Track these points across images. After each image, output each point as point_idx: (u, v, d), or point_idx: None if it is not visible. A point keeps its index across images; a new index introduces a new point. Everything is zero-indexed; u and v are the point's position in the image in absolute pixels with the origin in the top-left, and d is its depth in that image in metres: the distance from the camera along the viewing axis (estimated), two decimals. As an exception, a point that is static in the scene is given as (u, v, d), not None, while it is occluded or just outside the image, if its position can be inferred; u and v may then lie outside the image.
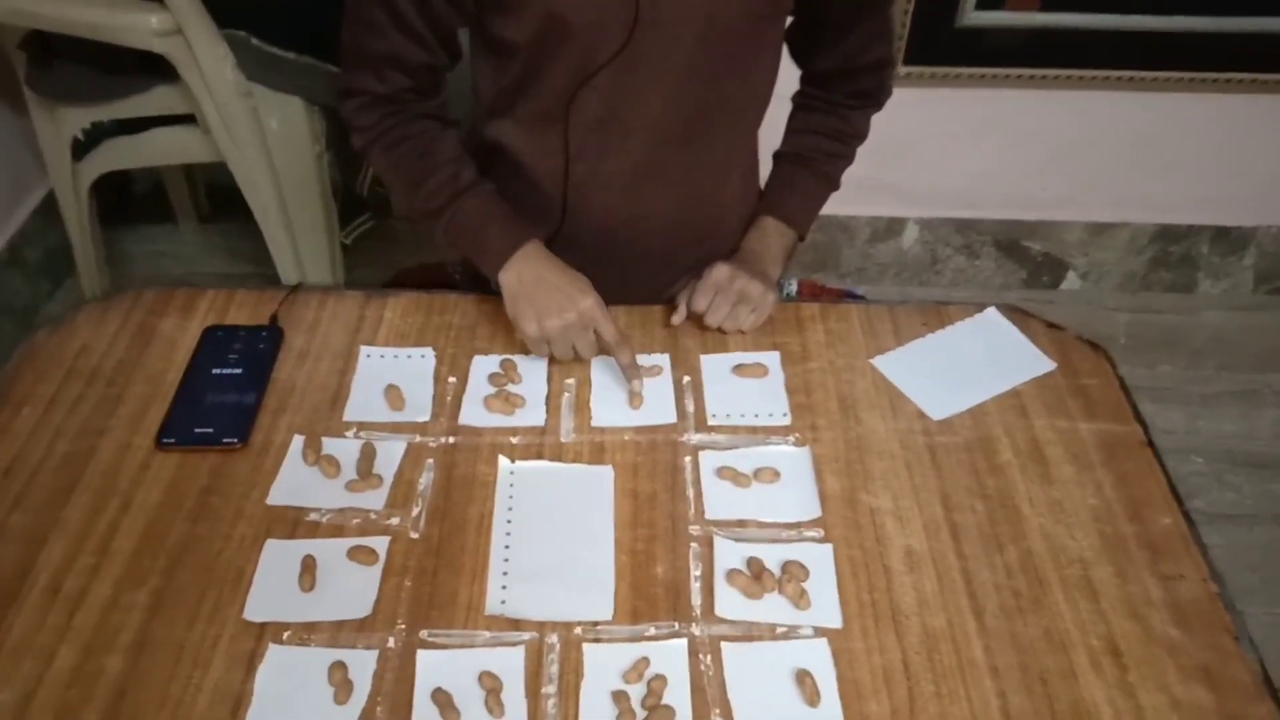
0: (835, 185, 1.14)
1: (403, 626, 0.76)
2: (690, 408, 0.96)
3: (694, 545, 0.83)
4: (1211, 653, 0.76)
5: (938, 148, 2.04)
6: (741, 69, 1.00)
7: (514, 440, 0.92)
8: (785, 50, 1.06)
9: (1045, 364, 1.01)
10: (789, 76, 1.11)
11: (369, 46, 0.97)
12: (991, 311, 1.07)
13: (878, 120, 1.14)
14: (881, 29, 1.05)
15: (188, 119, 1.66)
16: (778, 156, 1.15)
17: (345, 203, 1.81)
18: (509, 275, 0.98)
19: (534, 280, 0.98)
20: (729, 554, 0.83)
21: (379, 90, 1.00)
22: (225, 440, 0.90)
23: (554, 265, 0.99)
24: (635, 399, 0.95)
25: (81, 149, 1.74)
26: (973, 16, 1.84)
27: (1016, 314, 1.07)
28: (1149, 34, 1.85)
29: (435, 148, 1.02)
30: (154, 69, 1.58)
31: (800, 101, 1.13)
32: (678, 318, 1.03)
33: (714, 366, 1.00)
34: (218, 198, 2.31)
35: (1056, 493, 0.88)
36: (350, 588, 0.79)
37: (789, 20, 1.03)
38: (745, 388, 0.98)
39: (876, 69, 1.08)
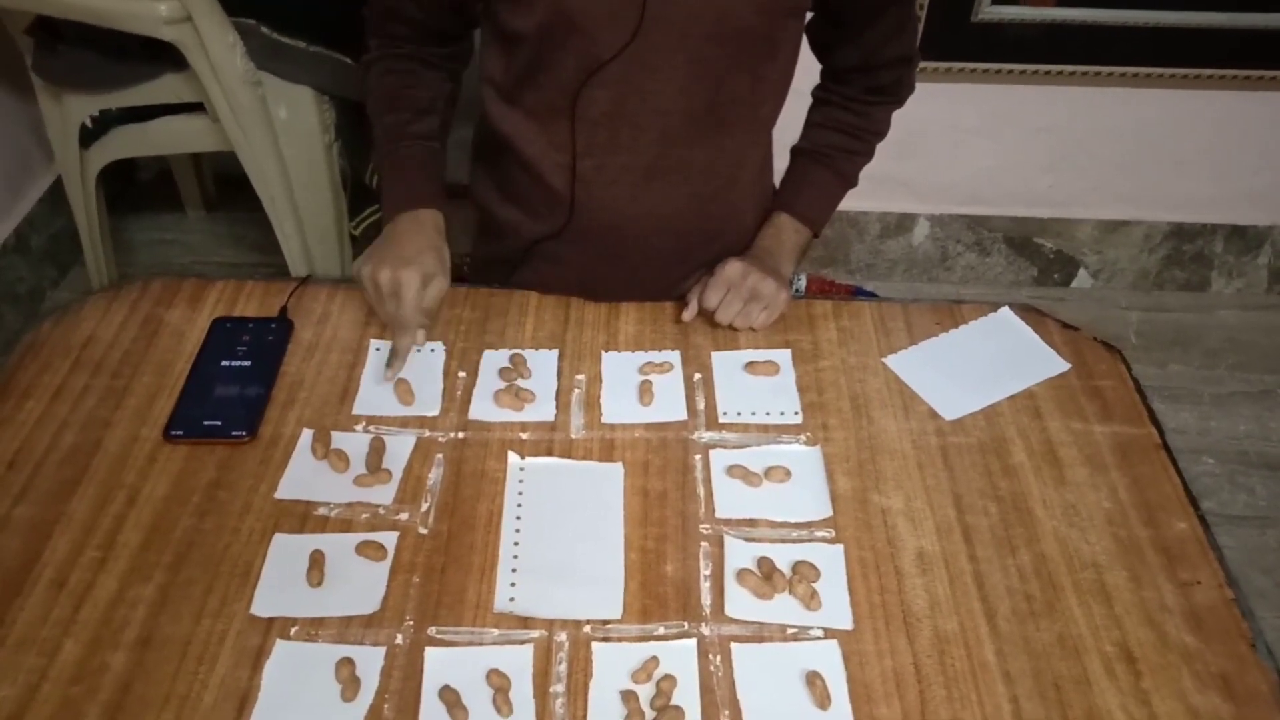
0: (852, 183, 1.13)
1: (411, 623, 0.76)
2: (701, 405, 0.95)
3: (704, 544, 0.82)
4: (1228, 660, 0.75)
5: (950, 143, 2.03)
6: (755, 66, 0.99)
7: (524, 436, 0.91)
8: (805, 45, 1.05)
9: (1059, 365, 1.00)
10: (809, 71, 1.10)
11: None
12: (1005, 311, 1.06)
13: (891, 115, 1.13)
14: (904, 24, 1.04)
15: (196, 107, 1.65)
16: (795, 152, 1.13)
17: (354, 193, 1.80)
18: (388, 226, 1.02)
19: (396, 236, 0.99)
20: (739, 553, 0.82)
21: (382, 27, 1.05)
22: (233, 433, 0.89)
23: (424, 235, 0.99)
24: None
25: (89, 136, 1.73)
26: (989, 11, 1.82)
27: (1031, 314, 1.06)
28: (1165, 30, 1.83)
29: (410, 90, 1.05)
30: (162, 56, 1.56)
31: (820, 96, 1.12)
32: (688, 314, 1.02)
33: (725, 364, 0.99)
34: (224, 186, 2.31)
35: (1070, 495, 0.87)
36: (359, 583, 0.78)
37: (809, 15, 1.01)
38: (756, 385, 0.97)
39: (898, 64, 1.06)
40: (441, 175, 1.06)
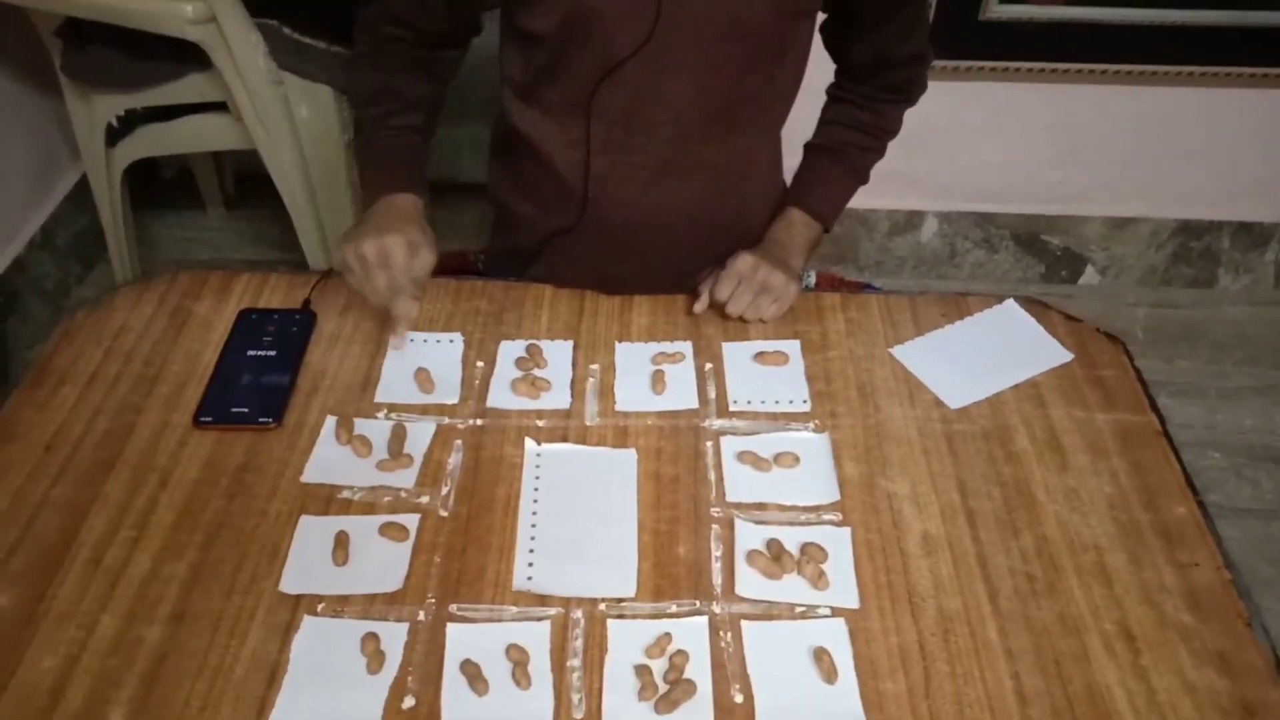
0: (864, 179, 1.15)
1: (433, 600, 0.79)
2: (712, 394, 0.97)
3: (715, 527, 0.85)
4: (1225, 639, 0.77)
5: (958, 141, 2.04)
6: (767, 66, 1.01)
7: (540, 423, 0.94)
8: (819, 43, 1.07)
9: (1062, 355, 1.02)
10: (822, 70, 1.12)
11: None
12: (1010, 303, 1.08)
13: (898, 112, 1.15)
14: (916, 23, 1.06)
15: (219, 106, 1.68)
16: (808, 148, 1.16)
17: (371, 190, 1.83)
18: (368, 210, 1.01)
19: (371, 217, 0.98)
20: (749, 535, 0.84)
21: (378, 29, 1.05)
22: (260, 420, 0.92)
23: (401, 214, 0.98)
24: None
25: (115, 135, 1.77)
26: (997, 10, 1.84)
27: (1035, 306, 1.08)
28: (1172, 28, 1.85)
29: (395, 85, 1.06)
30: (187, 56, 1.60)
31: (834, 94, 1.14)
32: (700, 306, 1.04)
33: (735, 354, 1.02)
34: (243, 184, 2.34)
35: (1072, 480, 0.89)
36: (382, 562, 0.81)
37: (822, 15, 1.04)
38: (766, 375, 1.00)
39: (911, 63, 1.09)
40: (423, 165, 1.06)
